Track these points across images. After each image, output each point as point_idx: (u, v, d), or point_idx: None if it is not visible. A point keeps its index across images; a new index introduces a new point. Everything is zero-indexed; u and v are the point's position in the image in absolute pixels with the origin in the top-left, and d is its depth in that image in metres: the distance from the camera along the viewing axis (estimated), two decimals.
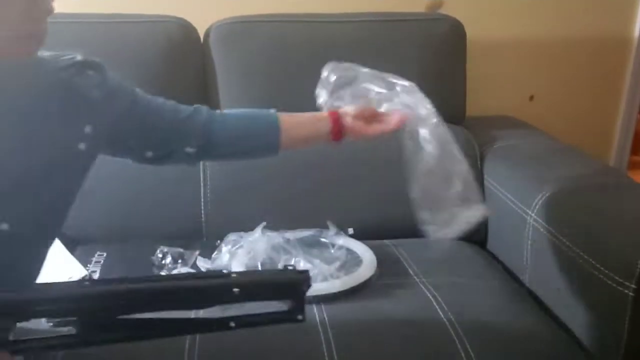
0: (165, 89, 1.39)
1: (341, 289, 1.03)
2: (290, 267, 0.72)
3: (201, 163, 1.32)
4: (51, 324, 0.94)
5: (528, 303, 1.08)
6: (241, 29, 1.43)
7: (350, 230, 1.24)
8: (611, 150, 1.88)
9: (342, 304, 1.01)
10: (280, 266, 1.07)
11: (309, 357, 0.90)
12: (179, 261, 1.13)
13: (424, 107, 1.05)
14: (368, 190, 1.33)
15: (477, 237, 1.29)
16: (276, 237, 1.15)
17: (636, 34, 1.75)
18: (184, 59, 1.40)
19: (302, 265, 1.08)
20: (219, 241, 1.16)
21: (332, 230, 1.22)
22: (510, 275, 1.19)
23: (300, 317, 0.68)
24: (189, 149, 0.92)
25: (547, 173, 1.21)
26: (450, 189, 0.93)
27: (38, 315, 0.64)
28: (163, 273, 1.09)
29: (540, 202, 1.12)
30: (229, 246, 1.13)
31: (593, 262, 0.94)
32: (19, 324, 0.62)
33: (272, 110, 0.98)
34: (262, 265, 1.08)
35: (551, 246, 1.05)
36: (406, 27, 1.47)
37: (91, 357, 0.89)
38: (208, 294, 0.67)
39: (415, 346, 0.93)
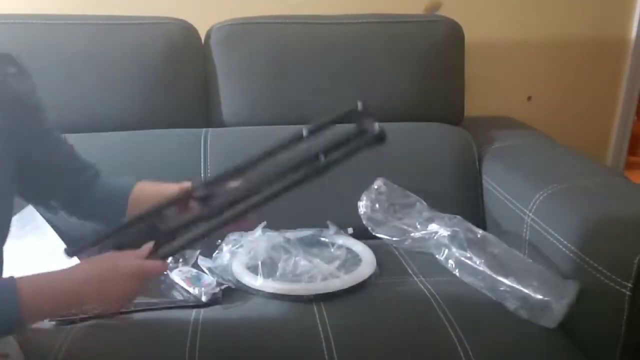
0: (166, 90, 1.40)
1: (341, 288, 1.03)
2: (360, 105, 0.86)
3: (202, 163, 1.33)
4: (54, 322, 0.95)
5: None
6: (242, 31, 1.43)
7: (350, 230, 1.25)
8: (608, 150, 1.89)
9: (342, 303, 1.01)
10: (280, 267, 1.08)
11: (309, 356, 0.90)
12: (180, 260, 1.13)
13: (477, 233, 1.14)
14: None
15: None
16: (276, 236, 1.16)
17: (633, 35, 1.76)
18: (184, 60, 1.41)
19: (302, 264, 1.09)
20: (219, 240, 1.17)
21: (332, 230, 1.22)
22: None
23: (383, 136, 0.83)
24: (65, 194, 0.97)
25: (545, 173, 1.21)
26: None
27: None
28: (164, 272, 1.10)
29: (538, 202, 1.12)
30: (230, 245, 1.14)
31: (590, 261, 0.95)
32: None
33: (132, 182, 0.98)
34: (262, 265, 1.08)
35: (549, 246, 1.06)
36: (405, 29, 1.48)
37: (92, 357, 0.90)
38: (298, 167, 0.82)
39: (415, 346, 0.93)
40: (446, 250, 1.12)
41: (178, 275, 1.07)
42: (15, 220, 1.21)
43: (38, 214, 1.22)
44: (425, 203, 1.27)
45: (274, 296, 1.02)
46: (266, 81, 1.43)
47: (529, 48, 1.73)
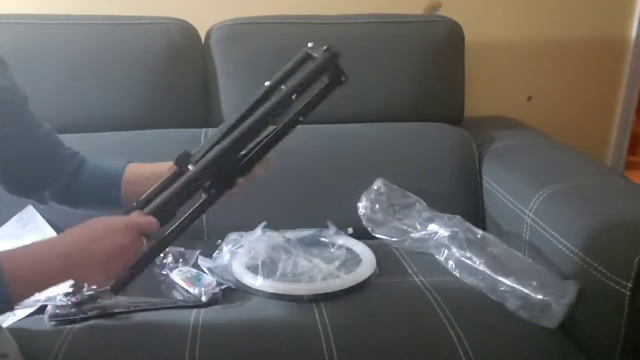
0: (166, 90, 1.40)
1: (341, 287, 1.03)
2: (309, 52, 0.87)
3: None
4: (53, 322, 0.95)
5: None
6: (242, 31, 1.43)
7: (350, 230, 1.25)
8: (608, 150, 1.89)
9: (342, 303, 1.01)
10: (280, 267, 1.08)
11: (309, 356, 0.90)
12: (180, 260, 1.13)
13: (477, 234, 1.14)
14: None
15: None
16: (276, 236, 1.16)
17: (633, 35, 1.76)
18: (184, 60, 1.41)
19: (302, 264, 1.09)
20: (219, 240, 1.17)
21: (332, 230, 1.22)
22: None
23: (343, 78, 0.87)
24: (54, 185, 0.95)
25: (545, 173, 1.21)
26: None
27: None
28: (164, 272, 1.10)
29: (538, 201, 1.12)
30: (230, 245, 1.14)
31: (590, 261, 0.95)
32: None
33: (123, 164, 0.97)
34: (262, 265, 1.08)
35: (549, 245, 1.06)
36: (405, 29, 1.48)
37: (92, 357, 0.90)
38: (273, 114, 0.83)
39: (415, 346, 0.93)
40: (446, 251, 1.12)
41: (178, 275, 1.07)
42: (15, 220, 1.22)
43: (38, 214, 1.22)
44: (424, 203, 1.27)
45: (274, 296, 1.02)
46: (266, 81, 1.43)
47: (529, 48, 1.73)
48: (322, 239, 1.21)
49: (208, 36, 1.44)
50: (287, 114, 0.84)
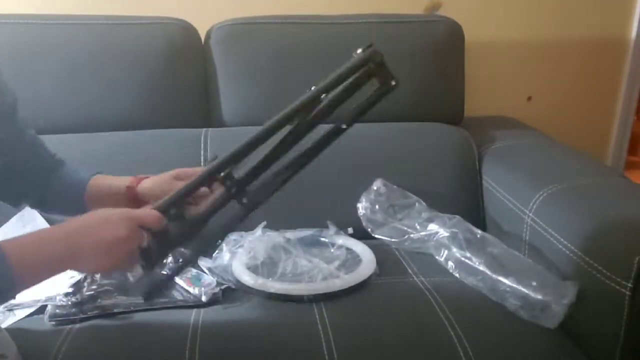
0: (166, 90, 1.40)
1: (341, 288, 1.03)
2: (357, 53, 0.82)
3: (202, 163, 1.32)
4: (53, 322, 0.95)
5: None
6: (242, 31, 1.43)
7: (350, 230, 1.25)
8: (608, 150, 1.89)
9: (342, 303, 1.01)
10: (280, 267, 1.08)
11: (309, 356, 0.90)
12: (180, 260, 1.13)
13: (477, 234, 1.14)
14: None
15: None
16: (276, 236, 1.16)
17: (633, 35, 1.76)
18: (184, 60, 1.41)
19: (302, 264, 1.09)
20: (219, 241, 1.17)
21: (332, 230, 1.22)
22: None
23: (393, 82, 0.83)
24: (36, 191, 0.95)
25: (545, 173, 1.21)
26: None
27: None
28: (164, 272, 1.10)
29: (538, 201, 1.12)
30: (230, 245, 1.14)
31: (590, 261, 0.95)
32: None
33: (87, 177, 0.96)
34: (262, 265, 1.08)
35: (549, 246, 1.06)
36: (405, 29, 1.48)
37: (92, 357, 0.90)
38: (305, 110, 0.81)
39: (415, 346, 0.93)
40: (446, 251, 1.12)
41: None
42: (15, 220, 1.22)
43: (38, 214, 1.22)
44: (424, 203, 1.27)
45: (274, 296, 1.02)
46: (266, 81, 1.43)
47: (529, 48, 1.73)
48: (322, 239, 1.21)
49: (208, 36, 1.44)
50: (326, 121, 0.83)
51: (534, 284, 0.98)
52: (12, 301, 1.00)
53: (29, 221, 1.21)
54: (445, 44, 1.49)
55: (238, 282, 1.06)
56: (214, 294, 1.02)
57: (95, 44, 1.37)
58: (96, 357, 0.90)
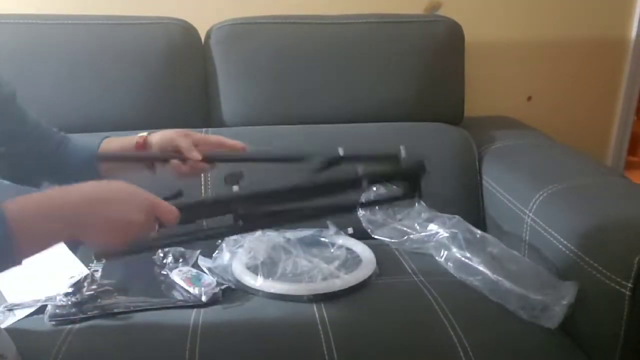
0: (166, 90, 1.40)
1: (341, 288, 1.03)
2: (403, 152, 0.84)
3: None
4: (53, 322, 0.95)
5: None
6: (242, 31, 1.43)
7: (350, 230, 1.25)
8: (608, 150, 1.89)
9: (342, 303, 1.02)
10: (280, 267, 1.08)
11: (309, 356, 0.90)
12: (180, 260, 1.13)
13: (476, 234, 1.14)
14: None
15: None
16: (276, 236, 1.16)
17: (633, 35, 1.76)
18: (184, 60, 1.41)
19: (302, 264, 1.09)
20: (219, 240, 1.17)
21: (332, 230, 1.22)
22: None
23: (417, 195, 0.83)
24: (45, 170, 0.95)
25: (545, 173, 1.21)
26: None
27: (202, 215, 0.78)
28: (164, 272, 1.10)
29: (538, 201, 1.12)
30: (230, 245, 1.14)
31: (590, 261, 0.95)
32: None
33: (98, 141, 0.97)
34: (262, 265, 1.08)
35: (549, 245, 1.06)
36: (405, 29, 1.48)
37: (92, 357, 0.90)
38: (340, 186, 0.81)
39: (415, 346, 0.93)
40: (446, 251, 1.12)
41: (178, 275, 1.07)
42: None
43: None
44: (424, 203, 1.27)
45: (274, 296, 1.02)
46: (266, 81, 1.43)
47: (529, 48, 1.73)
48: (322, 239, 1.21)
49: (208, 36, 1.44)
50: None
51: (534, 284, 0.98)
52: (12, 301, 1.00)
53: None
54: (445, 44, 1.49)
55: (238, 282, 1.06)
56: (214, 294, 1.02)
57: (95, 44, 1.37)
58: (96, 357, 0.90)
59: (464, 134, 1.45)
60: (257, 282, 1.04)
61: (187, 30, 1.42)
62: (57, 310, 0.96)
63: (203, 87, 1.44)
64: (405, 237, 1.21)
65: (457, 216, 1.19)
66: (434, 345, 0.93)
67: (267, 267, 1.08)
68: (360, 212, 1.27)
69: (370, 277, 1.08)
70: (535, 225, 1.11)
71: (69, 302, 0.97)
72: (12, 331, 0.90)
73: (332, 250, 1.16)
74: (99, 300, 0.99)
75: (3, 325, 0.94)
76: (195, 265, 1.12)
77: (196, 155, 0.90)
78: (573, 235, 1.00)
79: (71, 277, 1.03)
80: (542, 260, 1.07)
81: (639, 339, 0.89)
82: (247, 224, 0.77)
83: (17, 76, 1.28)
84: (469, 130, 1.47)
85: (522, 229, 1.15)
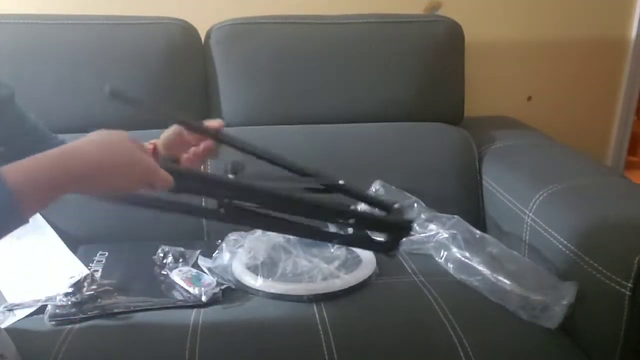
0: (166, 90, 1.40)
1: (341, 287, 1.03)
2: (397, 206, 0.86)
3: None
4: (53, 322, 0.95)
5: None
6: (242, 31, 1.43)
7: (350, 230, 1.25)
8: (608, 150, 1.89)
9: (342, 303, 1.02)
10: (280, 267, 1.08)
11: (309, 356, 0.90)
12: (180, 260, 1.13)
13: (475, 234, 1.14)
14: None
15: None
16: (276, 236, 1.16)
17: (633, 35, 1.76)
18: (184, 60, 1.41)
19: (302, 264, 1.09)
20: (219, 241, 1.17)
21: (332, 230, 1.22)
22: None
23: (392, 253, 0.86)
24: None
25: (545, 173, 1.21)
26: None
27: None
28: (164, 272, 1.10)
29: (538, 201, 1.12)
30: (230, 245, 1.14)
31: (591, 261, 0.95)
32: None
33: None
34: (262, 265, 1.08)
35: (549, 245, 1.06)
36: (405, 29, 1.48)
37: (92, 357, 0.90)
38: (328, 213, 0.83)
39: (415, 346, 0.93)
40: (445, 252, 1.12)
41: (178, 275, 1.07)
42: None
43: (38, 214, 1.22)
44: (423, 204, 1.27)
45: (274, 296, 1.02)
46: (266, 81, 1.43)
47: (529, 48, 1.73)
48: None
49: (208, 36, 1.44)
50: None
51: (534, 284, 0.98)
52: (12, 301, 1.00)
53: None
54: (445, 44, 1.49)
55: (238, 282, 1.06)
56: (214, 294, 1.02)
57: (95, 44, 1.37)
58: (96, 357, 0.90)
59: (464, 134, 1.45)
60: (257, 282, 1.04)
61: (187, 30, 1.42)
62: (57, 310, 0.96)
63: (203, 87, 1.44)
64: (405, 239, 1.20)
65: (456, 216, 1.19)
66: (434, 345, 0.93)
67: (267, 267, 1.08)
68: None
69: (370, 277, 1.08)
70: (535, 225, 1.11)
71: (69, 302, 0.97)
72: (12, 331, 0.90)
73: (332, 250, 1.16)
74: (99, 300, 0.99)
75: (3, 325, 0.94)
76: (195, 265, 1.12)
77: (213, 123, 0.85)
78: (573, 235, 1.00)
79: (71, 277, 1.03)
80: (542, 261, 1.07)
81: (639, 339, 0.89)
82: (228, 215, 0.75)
83: (17, 76, 1.28)
84: (469, 130, 1.47)
85: (522, 229, 1.15)
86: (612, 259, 0.92)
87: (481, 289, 1.03)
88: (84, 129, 1.36)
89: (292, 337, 0.94)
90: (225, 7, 1.55)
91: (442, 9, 1.65)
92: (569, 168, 1.26)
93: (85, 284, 1.02)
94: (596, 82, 1.81)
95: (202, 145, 0.85)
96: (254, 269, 1.07)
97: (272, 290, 1.03)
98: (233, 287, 1.06)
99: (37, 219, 1.22)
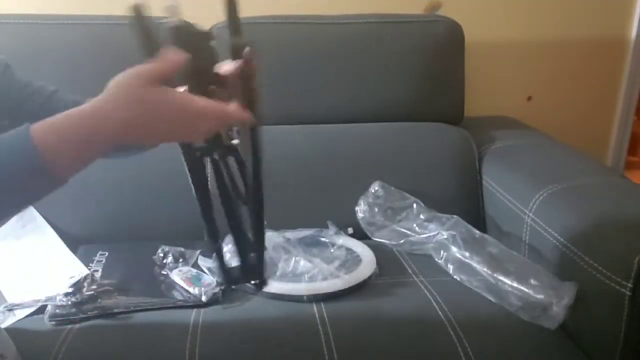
0: None
1: (341, 287, 1.03)
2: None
3: None
4: (53, 322, 0.95)
5: None
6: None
7: (350, 230, 1.25)
8: (608, 150, 1.89)
9: (342, 303, 1.02)
10: (280, 267, 1.08)
11: (309, 356, 0.90)
12: (180, 260, 1.13)
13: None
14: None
15: None
16: (276, 236, 1.16)
17: (633, 35, 1.76)
18: None
19: (302, 264, 1.09)
20: (219, 240, 1.16)
21: (332, 230, 1.22)
22: None
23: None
24: None
25: (545, 173, 1.21)
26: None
27: None
28: (164, 272, 1.10)
29: (538, 202, 1.12)
30: (230, 245, 1.14)
31: (591, 261, 0.95)
32: None
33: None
34: None
35: (549, 245, 1.06)
36: (405, 29, 1.48)
37: (92, 357, 0.90)
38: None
39: (414, 345, 0.93)
40: (445, 252, 1.12)
41: (178, 275, 1.07)
42: (15, 220, 1.21)
43: (38, 214, 1.22)
44: (422, 204, 1.27)
45: (274, 296, 1.02)
46: (266, 81, 1.42)
47: (529, 48, 1.73)
48: (322, 239, 1.21)
49: None
50: None
51: (534, 284, 0.98)
52: (12, 301, 1.00)
53: (28, 221, 1.21)
54: (445, 44, 1.49)
55: None
56: (214, 294, 1.02)
57: (95, 44, 1.37)
58: (96, 357, 0.90)
59: (464, 134, 1.45)
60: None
61: None
62: (57, 310, 0.96)
63: None
64: (405, 240, 1.21)
65: (456, 216, 1.19)
66: (434, 346, 0.93)
67: (267, 267, 1.07)
68: (360, 215, 1.26)
69: (370, 277, 1.08)
70: (535, 225, 1.11)
71: (69, 302, 0.97)
72: (12, 331, 0.90)
73: (332, 251, 1.16)
74: (99, 300, 0.99)
75: (3, 325, 0.94)
76: (195, 265, 1.12)
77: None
78: (573, 235, 1.00)
79: (71, 277, 1.04)
80: (542, 261, 1.07)
81: (639, 340, 0.89)
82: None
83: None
84: (469, 130, 1.47)
85: (522, 229, 1.15)
86: (612, 259, 0.92)
87: (481, 289, 1.03)
88: None
89: (292, 337, 0.94)
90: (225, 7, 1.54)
91: (442, 9, 1.64)
92: (569, 168, 1.26)
93: (85, 284, 1.02)
94: (596, 82, 1.80)
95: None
96: None
97: (272, 290, 1.03)
98: (233, 287, 1.06)
99: (37, 219, 1.22)
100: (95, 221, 1.25)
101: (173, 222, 1.28)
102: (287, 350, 0.92)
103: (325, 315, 0.98)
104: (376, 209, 1.26)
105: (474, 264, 1.06)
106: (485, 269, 1.04)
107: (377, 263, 1.12)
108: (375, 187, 1.29)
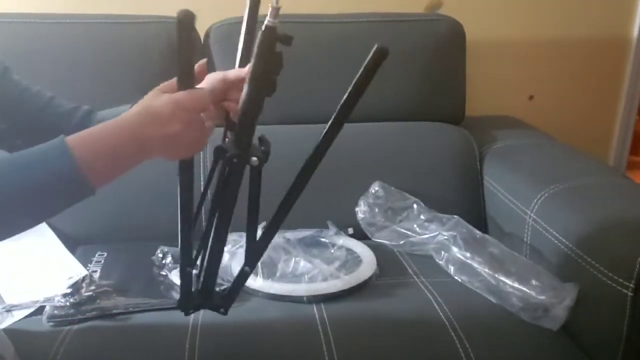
0: None
1: (341, 288, 1.03)
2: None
3: (201, 162, 1.32)
4: (52, 323, 0.95)
5: None
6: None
7: (350, 230, 1.25)
8: (610, 150, 1.88)
9: (342, 303, 1.01)
10: (280, 267, 1.08)
11: (308, 356, 0.90)
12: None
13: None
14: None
15: None
16: (276, 237, 1.15)
17: (635, 34, 1.75)
18: None
19: (302, 264, 1.08)
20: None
21: (332, 230, 1.22)
22: None
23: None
24: None
25: (547, 173, 1.21)
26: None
27: None
28: (163, 273, 1.10)
29: (540, 202, 1.12)
30: (229, 246, 1.13)
31: (592, 262, 0.94)
32: None
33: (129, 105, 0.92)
34: (262, 265, 1.08)
35: (550, 246, 1.05)
36: (406, 28, 1.47)
37: (91, 358, 0.90)
38: None
39: (415, 346, 0.93)
40: (446, 253, 1.12)
41: (177, 275, 1.07)
42: None
43: None
44: (423, 204, 1.27)
45: (274, 297, 1.02)
46: None
47: (530, 47, 1.73)
48: (322, 240, 1.21)
49: (207, 35, 1.44)
50: None
51: (536, 285, 0.98)
52: (11, 302, 1.00)
53: None
54: (447, 43, 1.48)
55: None
56: None
57: (95, 44, 1.37)
58: (95, 358, 0.90)
59: (465, 133, 1.45)
60: (257, 282, 1.04)
61: None
62: (56, 311, 0.96)
63: None
64: (406, 240, 1.20)
65: (456, 217, 1.18)
66: (435, 346, 0.93)
67: (267, 268, 1.07)
68: (360, 215, 1.25)
69: (370, 277, 1.08)
70: (537, 225, 1.10)
71: (68, 303, 0.97)
72: (11, 332, 0.90)
73: (332, 251, 1.16)
74: (97, 301, 0.99)
75: (1, 326, 0.94)
76: (195, 265, 1.12)
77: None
78: (575, 235, 1.00)
79: (70, 278, 1.03)
80: (544, 261, 1.06)
81: None
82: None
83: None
84: (470, 130, 1.47)
85: (524, 229, 1.14)
86: (614, 259, 0.91)
87: (482, 290, 1.03)
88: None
89: (292, 337, 0.94)
90: (224, 7, 1.54)
91: (443, 7, 1.64)
92: (571, 168, 1.25)
93: (84, 284, 1.02)
94: (598, 81, 1.80)
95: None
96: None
97: (272, 291, 1.02)
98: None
99: None
100: (94, 222, 1.25)
101: (172, 223, 1.26)
102: (287, 351, 0.91)
103: (325, 316, 0.97)
104: (376, 209, 1.25)
105: (475, 265, 1.05)
106: (486, 270, 1.03)
107: (378, 264, 1.12)
108: (375, 188, 1.29)
